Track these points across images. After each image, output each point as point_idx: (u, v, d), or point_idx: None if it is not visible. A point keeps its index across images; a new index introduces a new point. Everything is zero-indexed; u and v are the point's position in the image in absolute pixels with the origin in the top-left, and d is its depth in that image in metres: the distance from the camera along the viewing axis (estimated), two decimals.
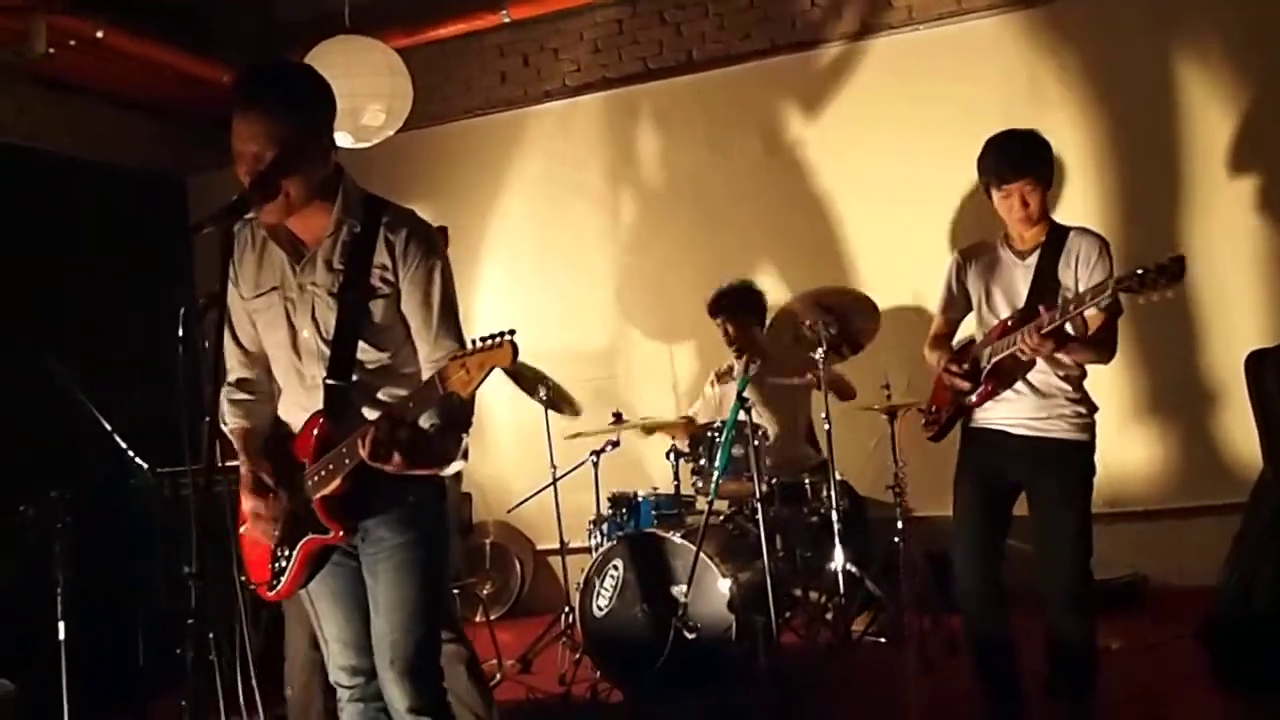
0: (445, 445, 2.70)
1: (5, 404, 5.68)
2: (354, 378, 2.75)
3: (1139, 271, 3.19)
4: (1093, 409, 3.64)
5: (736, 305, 5.72)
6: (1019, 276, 3.66)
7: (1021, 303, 3.60)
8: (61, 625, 3.98)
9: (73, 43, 6.06)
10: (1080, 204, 5.89)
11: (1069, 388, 3.61)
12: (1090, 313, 3.44)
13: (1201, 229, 5.88)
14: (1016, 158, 3.60)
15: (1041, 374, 3.59)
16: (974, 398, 3.68)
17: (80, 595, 4.11)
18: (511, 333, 2.42)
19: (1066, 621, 3.60)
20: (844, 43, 6.57)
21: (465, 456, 2.79)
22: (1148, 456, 5.96)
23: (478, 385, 2.44)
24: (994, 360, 3.59)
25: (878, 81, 6.44)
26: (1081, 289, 3.48)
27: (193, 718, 2.38)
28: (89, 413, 4.59)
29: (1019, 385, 3.61)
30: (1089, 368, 3.63)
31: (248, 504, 2.82)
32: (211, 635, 2.35)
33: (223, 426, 2.89)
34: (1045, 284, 3.56)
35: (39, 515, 4.12)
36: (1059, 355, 3.49)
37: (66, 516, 4.11)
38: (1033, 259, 3.63)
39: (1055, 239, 3.63)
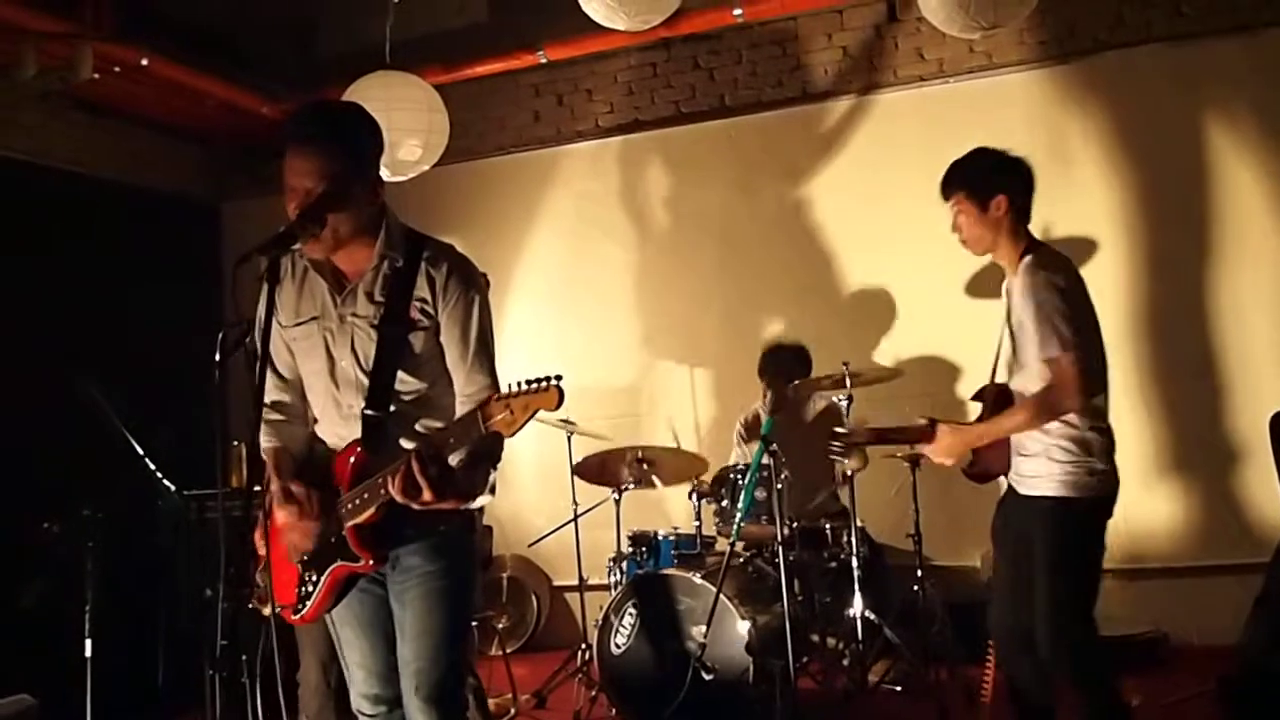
0: (473, 479, 2.73)
1: (39, 423, 5.74)
2: (391, 408, 2.79)
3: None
4: (1083, 464, 3.37)
5: (791, 369, 5.64)
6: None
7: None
8: (89, 642, 4.01)
9: (117, 69, 6.20)
10: (1108, 262, 5.92)
11: (1052, 445, 3.38)
12: (1034, 359, 3.31)
13: (1229, 287, 5.90)
14: (944, 177, 3.57)
15: (1026, 434, 3.43)
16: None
17: (105, 613, 4.14)
18: (559, 378, 2.46)
19: (1032, 691, 3.48)
20: (875, 93, 6.64)
21: (492, 491, 2.82)
22: (1170, 513, 5.93)
23: (520, 427, 2.48)
24: None
25: (907, 132, 6.49)
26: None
27: None
28: (118, 434, 4.64)
29: (1023, 446, 3.46)
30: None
31: (280, 515, 2.84)
32: (245, 658, 2.36)
33: (259, 452, 2.93)
34: (1010, 337, 3.45)
35: (68, 533, 4.17)
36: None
37: (96, 536, 4.15)
38: (1006, 302, 3.50)
39: (1020, 274, 3.42)
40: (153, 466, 4.68)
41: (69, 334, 6.11)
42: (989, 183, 3.51)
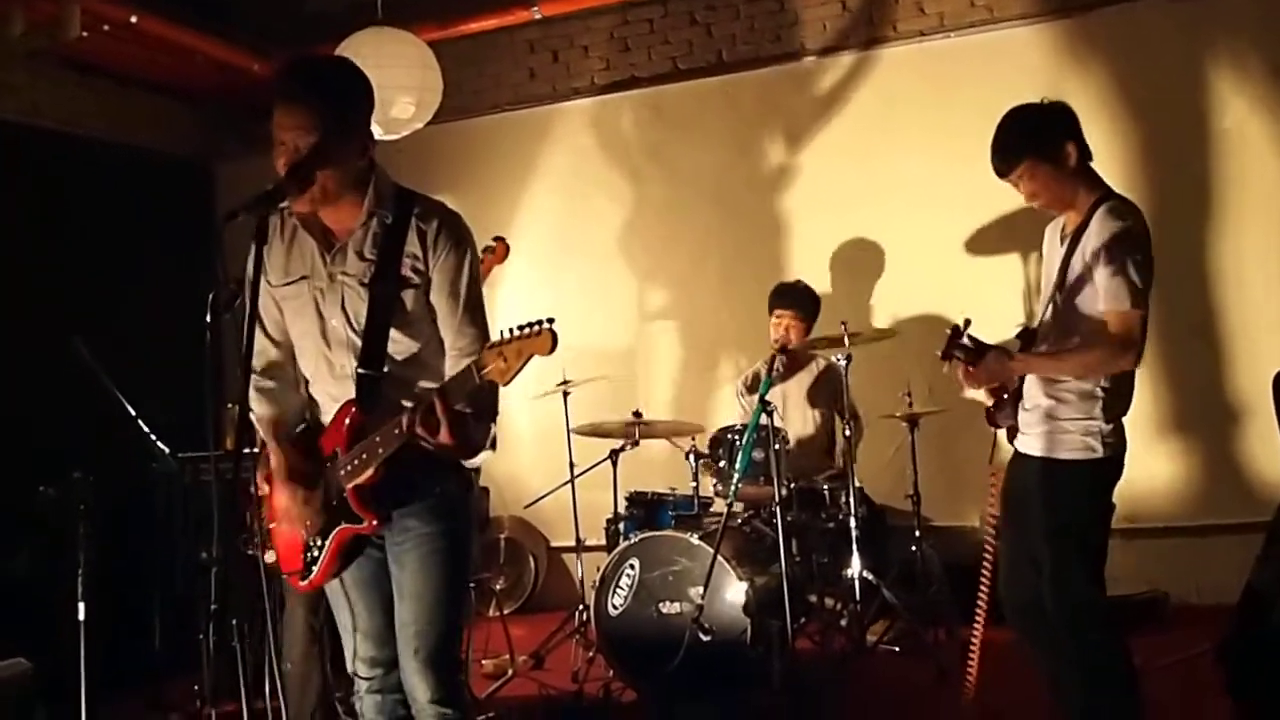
0: (476, 433, 2.69)
1: (31, 386, 5.72)
2: (385, 368, 2.76)
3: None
4: (1080, 423, 3.29)
5: (805, 302, 5.61)
6: (1054, 267, 3.38)
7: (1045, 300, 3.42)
8: (82, 606, 4.00)
9: (106, 27, 6.09)
10: None
11: (1053, 402, 3.31)
12: (1094, 308, 3.20)
13: (1232, 247, 5.85)
14: (1000, 150, 3.38)
15: (1032, 387, 3.37)
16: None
17: (99, 577, 4.13)
18: (550, 321, 2.41)
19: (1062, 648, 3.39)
20: (874, 48, 6.56)
21: (493, 446, 2.79)
22: (1170, 473, 5.93)
23: (515, 374, 2.42)
24: None
25: (906, 87, 6.42)
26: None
27: (206, 699, 2.38)
28: (113, 396, 4.60)
29: (1025, 400, 3.40)
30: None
31: (279, 497, 2.83)
32: (235, 621, 2.34)
33: (249, 414, 2.89)
34: (1061, 283, 3.32)
35: (61, 497, 4.14)
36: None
37: (89, 499, 4.13)
38: (1067, 246, 3.34)
39: (1088, 219, 3.27)
40: (146, 429, 4.64)
41: (62, 296, 6.06)
42: (1053, 135, 3.34)
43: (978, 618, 3.90)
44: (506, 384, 2.47)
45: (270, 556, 2.89)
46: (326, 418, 2.84)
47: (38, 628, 4.27)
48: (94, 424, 4.82)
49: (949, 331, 3.40)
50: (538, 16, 6.84)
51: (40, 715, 4.25)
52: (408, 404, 2.62)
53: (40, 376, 5.53)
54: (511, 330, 2.43)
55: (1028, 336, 3.48)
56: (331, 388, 2.82)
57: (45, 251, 6.18)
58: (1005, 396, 3.48)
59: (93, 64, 6.70)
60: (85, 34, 5.88)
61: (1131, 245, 3.19)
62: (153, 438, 4.67)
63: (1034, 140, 3.34)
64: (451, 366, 2.74)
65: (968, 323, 3.42)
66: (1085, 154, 3.38)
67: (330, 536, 2.79)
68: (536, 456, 6.71)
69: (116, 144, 7.03)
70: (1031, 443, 3.38)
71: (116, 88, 7.04)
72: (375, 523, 2.74)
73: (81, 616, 3.99)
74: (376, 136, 5.55)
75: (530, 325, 2.41)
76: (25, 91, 6.54)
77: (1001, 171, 3.39)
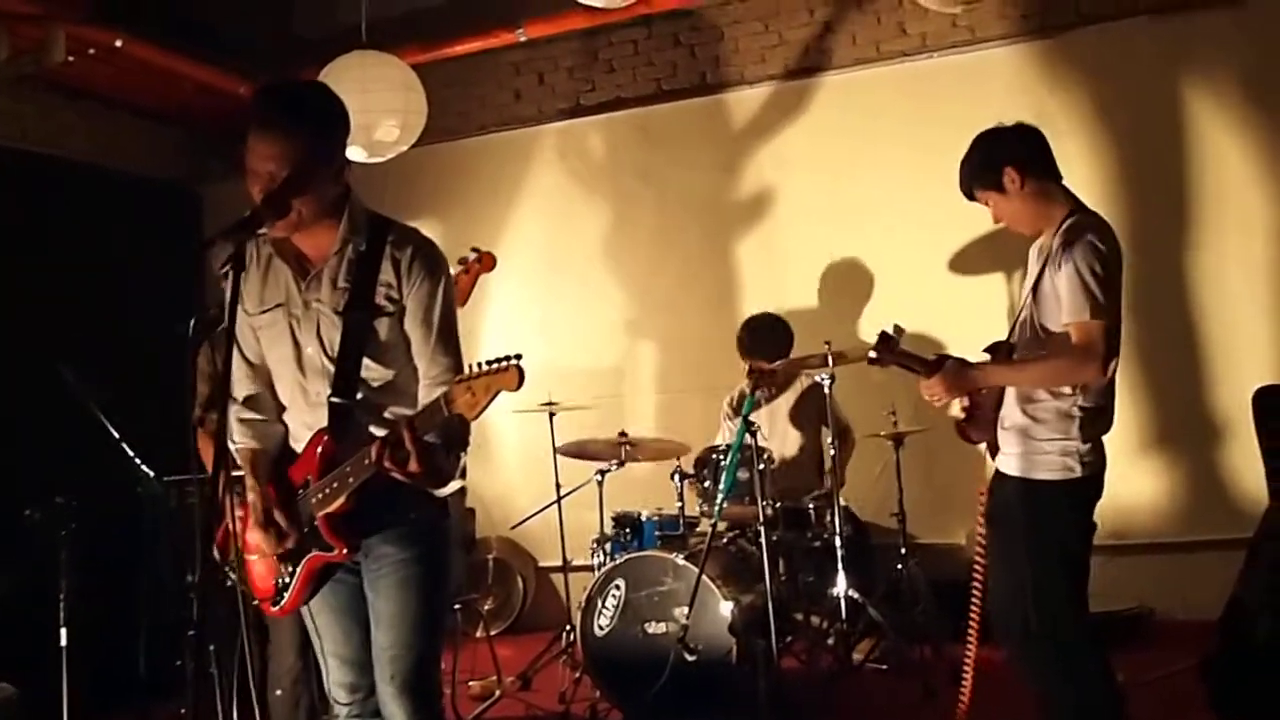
0: (445, 464, 2.70)
1: (14, 409, 5.71)
2: (359, 395, 2.76)
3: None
4: (1057, 443, 3.27)
5: (770, 346, 5.61)
6: (1030, 284, 3.39)
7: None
8: (64, 631, 3.99)
9: (92, 51, 6.13)
10: None
11: (1029, 421, 3.30)
12: (1059, 321, 3.22)
13: (1213, 262, 5.89)
14: (960, 183, 3.46)
15: (1010, 406, 3.37)
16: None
17: (84, 601, 4.12)
18: (518, 357, 2.42)
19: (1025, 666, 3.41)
20: (857, 68, 6.60)
21: (463, 475, 2.81)
22: (1154, 489, 5.94)
23: (483, 409, 2.45)
24: None
25: (890, 107, 6.46)
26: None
27: None
28: (97, 420, 4.60)
29: (1003, 418, 3.40)
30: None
31: (254, 536, 2.82)
32: (212, 648, 2.34)
33: (230, 444, 2.89)
34: (1034, 297, 3.33)
35: (44, 520, 4.13)
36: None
37: (72, 523, 4.13)
38: (1041, 263, 3.35)
39: (1060, 235, 3.29)
40: (130, 452, 4.63)
41: (47, 319, 6.06)
42: (990, 163, 3.40)
43: (970, 636, 3.91)
44: (474, 418, 2.49)
45: (246, 583, 2.89)
46: (299, 445, 2.84)
47: (22, 652, 4.26)
48: (77, 447, 4.81)
49: (878, 335, 3.43)
50: (522, 39, 6.87)
51: None
52: (379, 432, 2.63)
53: (23, 399, 5.52)
54: (480, 365, 2.45)
55: (997, 350, 3.49)
56: (306, 415, 2.82)
57: (31, 274, 6.17)
58: (977, 412, 3.49)
59: (79, 88, 6.73)
60: (71, 58, 5.91)
61: (1092, 257, 3.21)
62: (137, 461, 4.66)
63: (975, 172, 3.43)
64: (424, 395, 2.74)
65: (899, 330, 3.46)
66: (1039, 176, 3.40)
67: (301, 564, 2.80)
68: (523, 477, 6.71)
69: (103, 167, 7.05)
70: (1010, 462, 3.39)
71: (103, 111, 7.07)
72: (345, 551, 2.75)
73: (64, 642, 3.98)
74: (361, 159, 5.63)
75: (499, 361, 2.43)
76: (12, 115, 6.57)
77: (968, 197, 3.48)
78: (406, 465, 2.54)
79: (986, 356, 3.51)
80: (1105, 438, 3.39)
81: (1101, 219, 3.38)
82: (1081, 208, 3.41)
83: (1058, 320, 3.27)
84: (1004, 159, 3.39)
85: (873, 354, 3.43)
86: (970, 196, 3.47)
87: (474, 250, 4.68)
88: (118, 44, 6.09)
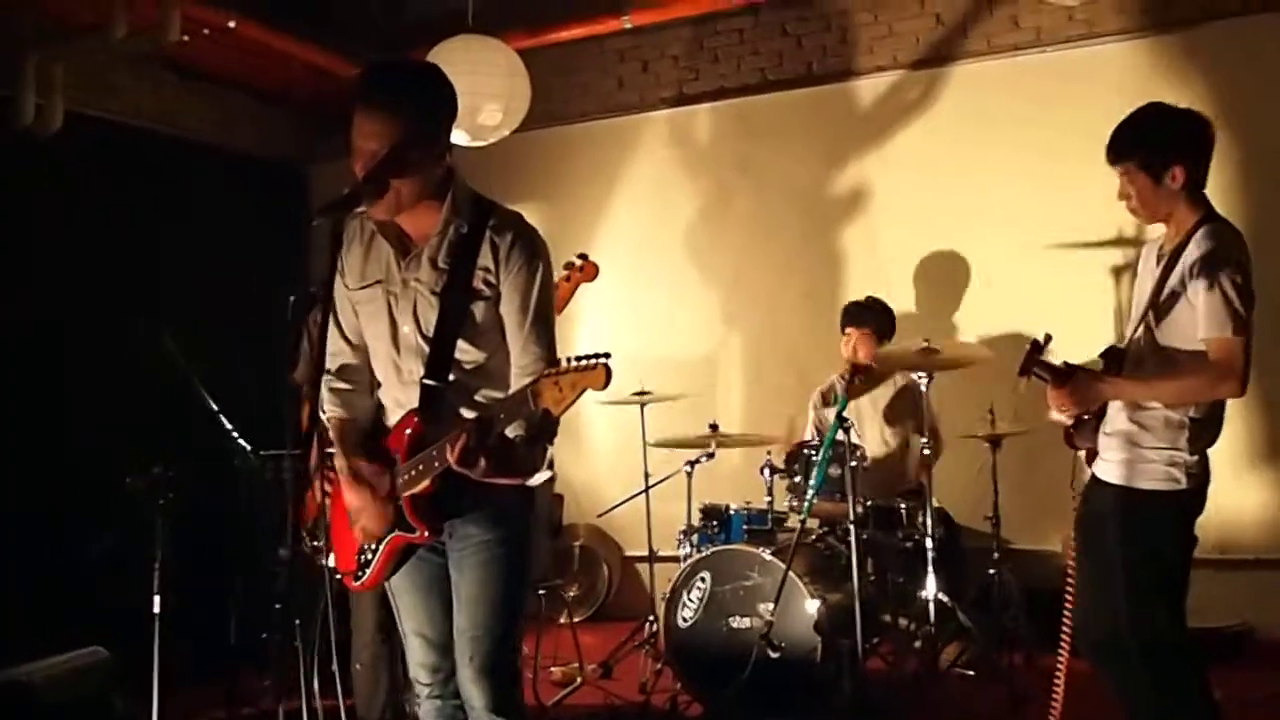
0: (531, 456, 2.70)
1: (120, 378, 5.86)
2: (451, 377, 2.76)
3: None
4: (1164, 452, 3.16)
5: (871, 318, 5.59)
6: (1148, 287, 3.28)
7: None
8: (157, 599, 4.07)
9: (205, 31, 6.25)
10: None
11: (1136, 428, 3.19)
12: (1191, 332, 3.08)
13: None
14: (1112, 140, 3.25)
15: (1114, 410, 3.26)
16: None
17: (178, 570, 4.20)
18: (606, 355, 2.41)
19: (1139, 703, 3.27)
20: (968, 61, 6.46)
21: (551, 466, 2.79)
22: (1262, 503, 5.74)
23: (569, 405, 2.43)
24: None
25: (999, 103, 6.31)
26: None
27: (277, 697, 2.41)
28: (198, 392, 4.69)
29: (1106, 423, 3.28)
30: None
31: (350, 498, 2.84)
32: (298, 622, 2.36)
33: (321, 414, 2.92)
34: (1154, 303, 3.19)
35: (144, 489, 4.21)
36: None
37: (170, 493, 4.20)
38: (1163, 266, 3.20)
39: (1187, 240, 3.13)
40: (228, 425, 4.71)
41: (156, 293, 6.19)
42: (1165, 154, 3.20)
43: (1063, 645, 3.80)
44: (560, 414, 2.49)
45: (333, 558, 2.92)
46: (392, 422, 2.86)
47: (116, 617, 4.36)
48: (178, 419, 4.92)
49: (1028, 346, 3.32)
50: (628, 26, 6.85)
51: (117, 703, 4.34)
52: (469, 414, 2.63)
53: (128, 370, 5.66)
54: (569, 360, 2.44)
55: (1112, 356, 3.36)
56: (399, 393, 2.84)
57: (143, 250, 6.33)
58: (1086, 418, 3.38)
59: (192, 67, 6.88)
60: (185, 38, 6.02)
61: (1233, 269, 3.08)
62: (234, 434, 4.74)
63: (1141, 148, 3.23)
64: (515, 383, 2.73)
65: (1048, 338, 3.33)
66: (1196, 182, 3.24)
67: (384, 542, 2.82)
68: (612, 465, 6.72)
69: (214, 145, 7.20)
70: (1110, 469, 3.27)
71: (214, 90, 7.22)
72: (427, 533, 2.76)
73: (156, 609, 4.06)
74: (464, 143, 5.66)
75: (587, 358, 2.41)
76: (128, 93, 6.74)
77: (1109, 160, 3.28)
78: (476, 466, 2.55)
79: (1100, 363, 3.39)
80: (1215, 447, 3.25)
81: (1234, 227, 3.23)
82: (1213, 213, 3.25)
83: (1189, 329, 3.13)
84: (1176, 155, 3.21)
85: (1022, 366, 3.32)
86: (1114, 160, 3.26)
87: (580, 257, 4.67)
88: (231, 24, 6.21)
